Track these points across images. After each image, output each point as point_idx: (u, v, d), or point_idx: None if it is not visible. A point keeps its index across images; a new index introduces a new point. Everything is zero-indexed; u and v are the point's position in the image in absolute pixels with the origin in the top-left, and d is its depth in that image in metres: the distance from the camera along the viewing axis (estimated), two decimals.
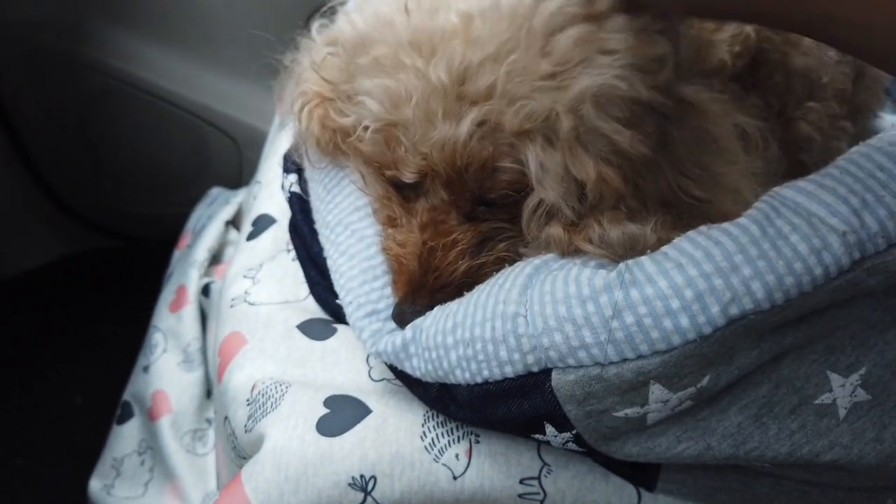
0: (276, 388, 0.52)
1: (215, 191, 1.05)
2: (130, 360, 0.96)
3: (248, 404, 0.53)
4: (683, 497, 0.47)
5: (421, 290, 0.48)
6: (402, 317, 0.48)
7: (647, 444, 0.43)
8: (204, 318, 0.92)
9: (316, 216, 0.57)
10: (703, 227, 0.42)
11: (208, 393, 0.88)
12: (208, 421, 0.87)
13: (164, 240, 1.04)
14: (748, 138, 0.49)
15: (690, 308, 0.38)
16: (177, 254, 1.01)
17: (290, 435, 0.48)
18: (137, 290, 1.03)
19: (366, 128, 0.48)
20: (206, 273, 0.95)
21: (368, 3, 0.53)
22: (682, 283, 0.39)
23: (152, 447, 0.86)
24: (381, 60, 0.46)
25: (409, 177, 0.48)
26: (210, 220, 1.00)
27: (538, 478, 0.48)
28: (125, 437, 0.89)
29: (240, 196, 1.01)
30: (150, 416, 0.87)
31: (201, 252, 0.95)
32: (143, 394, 0.89)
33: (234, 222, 0.98)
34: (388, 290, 0.51)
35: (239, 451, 0.54)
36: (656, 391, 0.40)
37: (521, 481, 0.48)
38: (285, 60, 0.57)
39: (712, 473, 0.46)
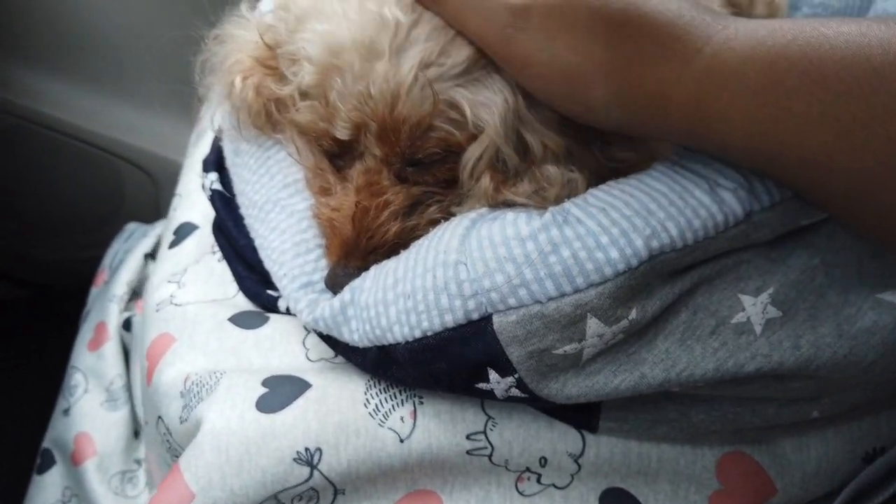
0: (209, 376, 0.51)
1: (132, 226, 1.02)
2: (46, 412, 0.90)
3: (182, 396, 0.51)
4: (625, 434, 0.49)
5: (354, 251, 0.48)
6: (336, 280, 0.48)
7: (585, 383, 0.44)
8: (127, 353, 0.88)
9: (242, 201, 0.56)
10: (611, 182, 0.45)
11: (136, 433, 0.84)
12: (137, 462, 0.83)
13: (77, 288, 1.00)
14: None
15: (618, 242, 0.41)
16: (94, 291, 0.97)
17: (228, 416, 0.46)
18: (51, 341, 0.98)
19: (303, 94, 0.48)
20: (127, 307, 0.91)
21: None
22: (607, 222, 0.42)
23: (77, 494, 0.81)
24: (325, 9, 0.47)
25: (342, 131, 0.48)
26: (127, 255, 0.97)
27: (484, 431, 0.48)
28: (47, 487, 0.83)
29: (158, 228, 0.98)
30: (74, 461, 0.82)
31: (120, 286, 0.92)
32: (65, 438, 0.84)
33: (154, 255, 0.95)
34: (322, 263, 0.51)
35: (175, 451, 0.52)
36: (593, 325, 0.42)
37: (467, 437, 0.48)
38: (203, 53, 0.57)
39: (651, 406, 0.48)
